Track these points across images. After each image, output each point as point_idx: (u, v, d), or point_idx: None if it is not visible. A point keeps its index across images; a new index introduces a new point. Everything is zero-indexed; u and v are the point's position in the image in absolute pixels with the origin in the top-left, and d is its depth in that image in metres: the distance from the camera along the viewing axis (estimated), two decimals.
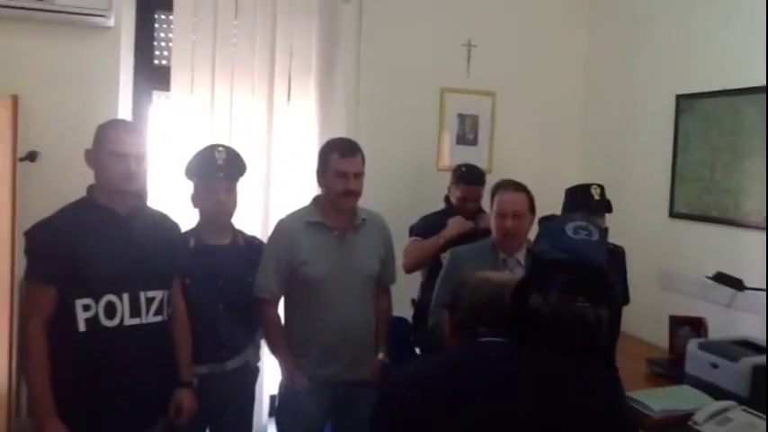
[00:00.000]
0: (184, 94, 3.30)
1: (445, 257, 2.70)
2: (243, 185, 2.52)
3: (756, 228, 3.03)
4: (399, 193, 3.65)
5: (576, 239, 1.38)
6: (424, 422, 1.30)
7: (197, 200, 2.40)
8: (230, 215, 2.43)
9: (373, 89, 3.70)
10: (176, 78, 3.29)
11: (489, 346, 1.41)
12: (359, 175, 2.46)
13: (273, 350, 2.55)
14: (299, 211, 2.56)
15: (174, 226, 2.30)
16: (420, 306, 3.23)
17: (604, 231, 1.48)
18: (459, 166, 3.41)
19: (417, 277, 3.43)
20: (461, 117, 3.94)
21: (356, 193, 2.47)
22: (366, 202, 2.58)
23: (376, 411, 1.44)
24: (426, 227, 3.30)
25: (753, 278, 3.00)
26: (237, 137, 3.36)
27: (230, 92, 3.38)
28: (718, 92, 3.21)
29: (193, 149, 2.49)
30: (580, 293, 1.27)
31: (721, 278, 2.74)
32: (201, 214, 2.42)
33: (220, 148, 2.38)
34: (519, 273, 2.51)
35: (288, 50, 3.49)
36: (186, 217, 2.50)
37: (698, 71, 3.37)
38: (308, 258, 2.43)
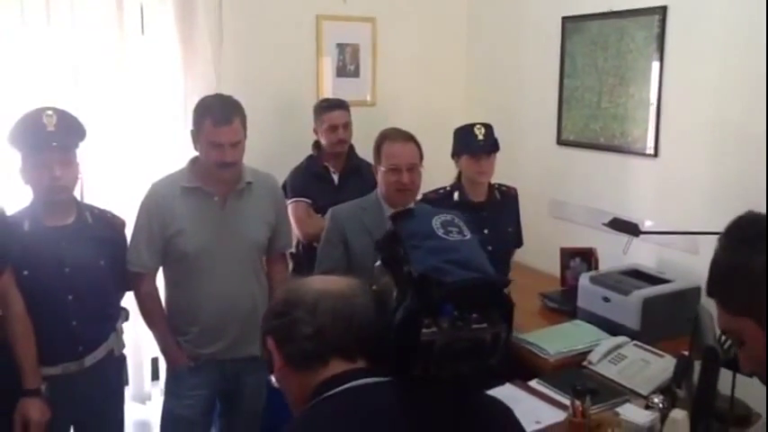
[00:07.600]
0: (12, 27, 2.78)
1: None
2: (94, 146, 2.15)
3: (642, 155, 3.00)
4: (276, 134, 3.35)
5: (454, 241, 1.14)
6: None
7: (27, 175, 2.00)
8: (70, 190, 2.06)
9: (240, 19, 3.30)
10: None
11: (362, 392, 1.10)
12: (237, 144, 2.19)
13: (151, 327, 2.37)
14: (174, 174, 2.32)
15: None
16: (300, 258, 2.98)
17: (472, 222, 1.23)
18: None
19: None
20: (341, 47, 3.62)
21: (234, 164, 2.21)
22: None
23: None
24: (305, 183, 3.04)
25: (639, 206, 3.01)
26: (83, 85, 2.93)
27: (72, 27, 2.89)
28: (605, 13, 3.09)
29: (21, 108, 2.07)
30: (474, 312, 1.08)
31: (617, 224, 2.68)
32: (34, 192, 2.04)
33: (49, 112, 1.97)
34: None
35: None
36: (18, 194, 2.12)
37: None
38: (183, 228, 2.22)
